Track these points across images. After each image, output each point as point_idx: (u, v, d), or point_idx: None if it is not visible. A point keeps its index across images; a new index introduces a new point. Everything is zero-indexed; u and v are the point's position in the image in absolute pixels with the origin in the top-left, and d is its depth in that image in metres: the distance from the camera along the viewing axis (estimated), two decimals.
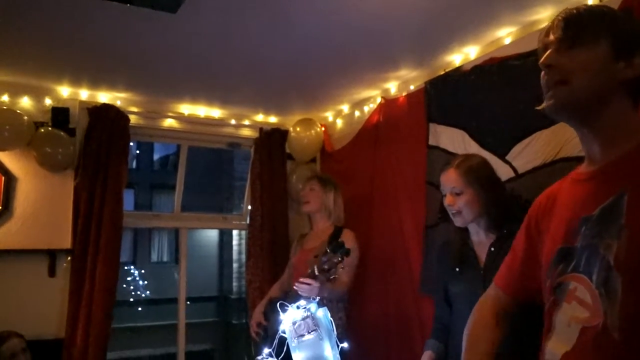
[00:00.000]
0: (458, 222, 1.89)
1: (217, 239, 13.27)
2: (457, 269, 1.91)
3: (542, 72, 1.07)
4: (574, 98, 1.03)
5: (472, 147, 2.42)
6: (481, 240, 1.88)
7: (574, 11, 1.07)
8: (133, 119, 3.23)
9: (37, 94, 3.03)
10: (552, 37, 1.07)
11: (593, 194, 1.03)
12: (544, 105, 1.07)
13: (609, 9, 1.10)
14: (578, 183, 1.11)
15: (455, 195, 1.85)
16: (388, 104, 3.09)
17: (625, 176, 0.99)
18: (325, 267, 2.16)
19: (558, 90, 1.04)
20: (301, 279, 2.29)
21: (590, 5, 1.09)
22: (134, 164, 14.42)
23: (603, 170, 1.04)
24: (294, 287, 2.31)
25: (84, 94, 3.13)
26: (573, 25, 1.04)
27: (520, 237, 1.28)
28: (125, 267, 12.33)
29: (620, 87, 1.02)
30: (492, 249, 1.82)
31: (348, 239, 2.62)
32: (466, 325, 1.31)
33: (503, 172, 2.13)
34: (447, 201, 1.88)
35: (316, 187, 2.90)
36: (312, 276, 2.23)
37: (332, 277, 2.26)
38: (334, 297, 2.60)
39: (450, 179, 1.87)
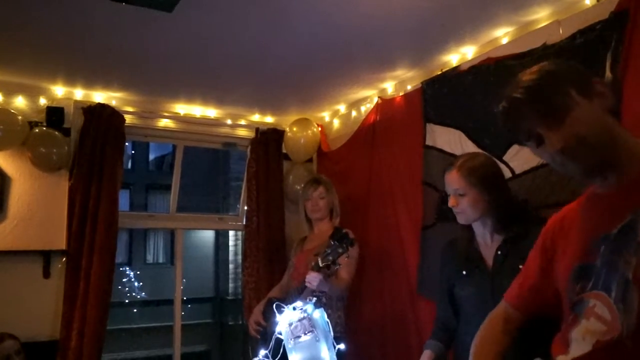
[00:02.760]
0: (461, 220, 1.87)
1: (213, 239, 13.24)
2: (464, 272, 1.88)
3: (555, 161, 1.07)
4: (600, 151, 1.04)
5: (469, 148, 2.41)
6: (487, 241, 1.86)
7: (535, 89, 1.06)
8: (128, 118, 3.20)
9: (32, 93, 3.01)
10: (538, 129, 1.06)
11: (612, 212, 1.06)
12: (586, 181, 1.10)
13: (549, 64, 1.11)
14: (595, 202, 1.13)
15: (459, 196, 1.83)
16: (385, 104, 3.08)
17: None
18: (330, 258, 2.15)
19: (585, 155, 1.04)
20: (308, 274, 2.28)
21: (538, 72, 1.09)
22: (129, 164, 14.39)
23: (621, 189, 1.06)
24: (306, 283, 2.30)
25: (78, 93, 3.11)
26: (546, 104, 1.05)
27: (534, 255, 1.30)
28: (121, 268, 12.29)
29: (610, 117, 1.06)
30: (499, 252, 1.79)
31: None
32: (474, 338, 1.33)
33: None
34: (450, 202, 1.87)
35: (324, 195, 2.90)
36: (317, 269, 2.22)
37: (336, 268, 2.26)
38: (333, 293, 2.60)
39: (452, 180, 1.85)
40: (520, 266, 1.69)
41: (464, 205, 1.82)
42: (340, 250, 2.13)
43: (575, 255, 1.11)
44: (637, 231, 0.99)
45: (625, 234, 1.01)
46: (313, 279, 2.22)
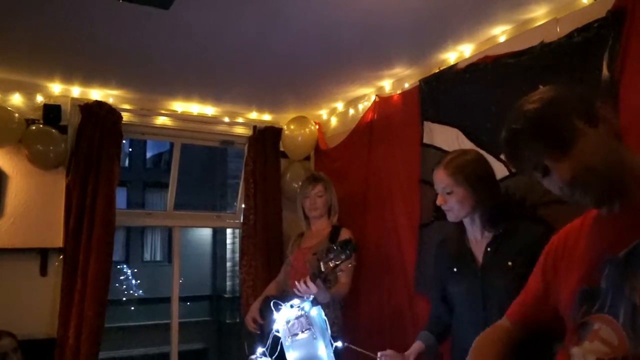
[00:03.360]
0: (450, 217, 1.87)
1: (210, 237, 13.23)
2: (455, 269, 1.89)
3: (564, 192, 1.06)
4: (609, 179, 1.02)
5: (467, 146, 2.41)
6: (477, 238, 1.86)
7: (537, 119, 1.04)
8: (125, 116, 3.20)
9: (29, 90, 3.00)
10: (544, 160, 1.04)
11: (617, 236, 1.05)
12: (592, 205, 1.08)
13: (550, 91, 1.09)
14: (600, 225, 1.12)
15: (446, 194, 1.82)
16: (382, 102, 3.08)
17: None
18: (331, 264, 2.13)
19: (594, 185, 1.02)
20: (302, 280, 2.24)
21: (540, 101, 1.07)
22: (127, 162, 14.35)
23: (627, 213, 1.05)
24: (294, 289, 2.27)
25: (75, 91, 3.11)
26: (550, 135, 1.03)
27: (536, 274, 1.29)
28: (118, 266, 12.28)
29: (615, 142, 1.04)
30: (489, 249, 1.80)
31: (349, 237, 2.60)
32: (473, 343, 1.33)
33: (498, 170, 2.12)
34: (438, 200, 1.86)
35: (323, 193, 2.89)
36: (318, 275, 2.18)
37: (337, 274, 2.24)
38: (336, 299, 2.59)
39: (439, 179, 1.84)
40: (510, 263, 1.71)
41: (452, 203, 1.81)
42: (343, 257, 2.10)
43: (580, 277, 1.10)
44: None
45: (631, 259, 0.99)
46: (307, 292, 2.18)
